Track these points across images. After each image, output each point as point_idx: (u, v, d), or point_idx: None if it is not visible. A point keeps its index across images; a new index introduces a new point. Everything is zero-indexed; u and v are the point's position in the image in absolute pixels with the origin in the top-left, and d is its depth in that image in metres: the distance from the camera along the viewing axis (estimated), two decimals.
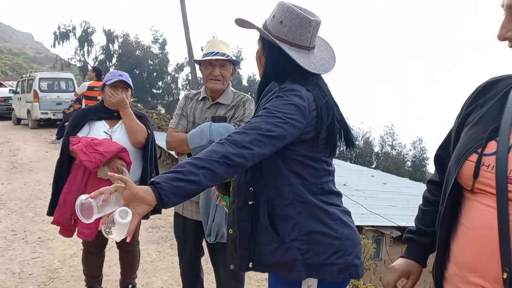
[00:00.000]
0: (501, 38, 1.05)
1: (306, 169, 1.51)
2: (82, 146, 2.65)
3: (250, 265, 1.56)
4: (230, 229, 1.58)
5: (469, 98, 1.23)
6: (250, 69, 35.17)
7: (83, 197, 1.19)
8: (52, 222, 2.79)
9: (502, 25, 1.04)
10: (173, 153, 9.45)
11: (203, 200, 2.37)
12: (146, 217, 3.02)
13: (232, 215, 1.57)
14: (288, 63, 1.53)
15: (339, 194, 1.63)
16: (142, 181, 2.85)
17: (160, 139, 12.86)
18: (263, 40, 1.59)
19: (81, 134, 2.80)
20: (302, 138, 1.45)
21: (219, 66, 2.47)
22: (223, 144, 1.31)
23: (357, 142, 31.18)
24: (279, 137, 1.36)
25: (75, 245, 4.25)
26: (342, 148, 1.64)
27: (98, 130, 2.82)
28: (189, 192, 1.25)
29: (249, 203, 1.53)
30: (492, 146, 1.05)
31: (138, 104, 17.62)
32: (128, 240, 1.20)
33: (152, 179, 1.23)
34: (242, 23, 1.59)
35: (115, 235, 1.19)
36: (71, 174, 2.79)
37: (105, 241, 2.99)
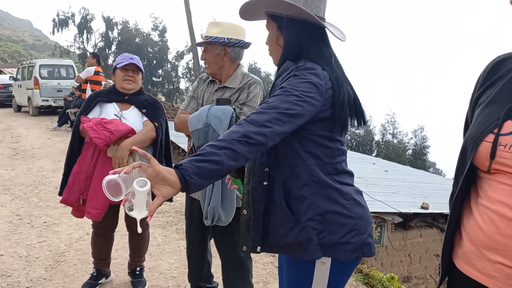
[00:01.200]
0: None
1: (321, 149, 1.51)
2: (92, 124, 2.67)
3: (262, 247, 1.56)
4: (244, 210, 1.58)
5: (480, 78, 1.22)
6: (250, 57, 35.05)
7: (107, 177, 1.17)
8: (61, 201, 2.81)
9: None
10: (174, 140, 9.45)
11: None
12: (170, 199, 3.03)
13: (246, 196, 1.57)
14: (306, 38, 1.53)
15: (351, 174, 1.64)
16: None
17: None
18: (278, 19, 1.57)
19: (92, 115, 2.81)
20: (318, 116, 1.45)
21: (203, 50, 2.49)
22: (242, 125, 1.31)
23: (358, 130, 31.30)
24: (298, 115, 1.36)
25: (81, 229, 4.27)
26: (353, 127, 1.63)
27: (109, 111, 2.83)
28: (213, 173, 1.23)
29: (264, 183, 1.53)
30: (509, 126, 1.03)
31: None
32: (148, 219, 1.19)
33: (175, 164, 1.22)
34: (249, 10, 1.59)
35: (136, 212, 1.16)
36: (81, 155, 2.80)
37: (114, 223, 3.01)
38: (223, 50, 2.45)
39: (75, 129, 2.83)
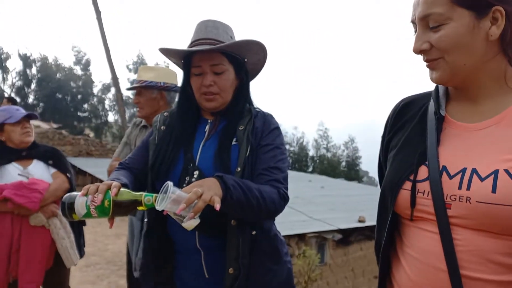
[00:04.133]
0: (417, 51, 1.01)
1: None
2: (14, 191, 2.41)
3: None
4: (231, 268, 1.40)
5: (388, 121, 1.20)
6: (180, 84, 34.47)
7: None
8: None
9: (417, 38, 1.01)
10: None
11: (130, 234, 2.35)
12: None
13: (235, 251, 1.41)
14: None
15: None
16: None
17: (91, 165, 12.29)
18: (236, 62, 1.53)
19: None
20: None
21: (137, 94, 2.51)
22: (276, 188, 1.43)
23: (292, 148, 32.01)
24: None
25: None
26: None
27: (12, 173, 2.55)
28: (240, 201, 1.30)
29: (253, 233, 1.46)
30: (423, 171, 1.01)
31: (63, 131, 16.69)
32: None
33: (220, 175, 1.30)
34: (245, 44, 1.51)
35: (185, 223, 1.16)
36: None
37: None
38: (159, 94, 2.50)
39: None
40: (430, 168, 0.99)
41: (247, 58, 1.56)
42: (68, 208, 1.24)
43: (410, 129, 1.10)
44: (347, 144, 32.27)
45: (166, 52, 1.54)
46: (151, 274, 1.56)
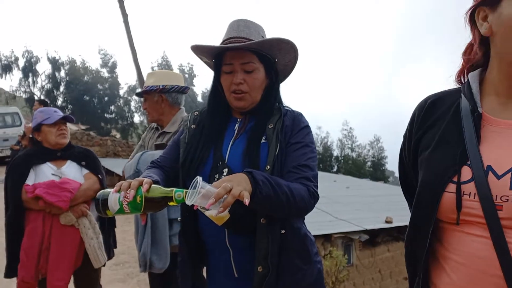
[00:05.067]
0: None
1: None
2: (46, 189, 2.48)
3: None
4: (260, 267, 1.41)
5: (415, 120, 1.13)
6: (204, 85, 35.03)
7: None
8: (18, 283, 2.54)
9: None
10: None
11: (135, 229, 2.37)
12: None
13: (264, 250, 1.41)
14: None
15: None
16: (101, 220, 2.73)
17: (118, 165, 12.48)
18: (267, 61, 1.54)
19: (29, 181, 2.59)
20: None
21: (143, 101, 2.60)
22: (305, 185, 1.42)
23: (316, 148, 31.74)
24: None
25: None
26: None
27: (46, 173, 2.64)
28: (269, 197, 1.29)
29: (282, 232, 1.46)
30: (466, 172, 0.95)
31: (91, 132, 17.05)
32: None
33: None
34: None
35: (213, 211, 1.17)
36: (28, 227, 2.56)
37: None
38: (160, 97, 2.52)
39: (16, 201, 2.56)
40: (474, 168, 0.94)
41: (278, 58, 1.56)
42: (102, 205, 1.26)
43: (443, 128, 1.04)
44: (373, 143, 31.89)
45: (197, 49, 1.55)
46: (189, 273, 1.56)
